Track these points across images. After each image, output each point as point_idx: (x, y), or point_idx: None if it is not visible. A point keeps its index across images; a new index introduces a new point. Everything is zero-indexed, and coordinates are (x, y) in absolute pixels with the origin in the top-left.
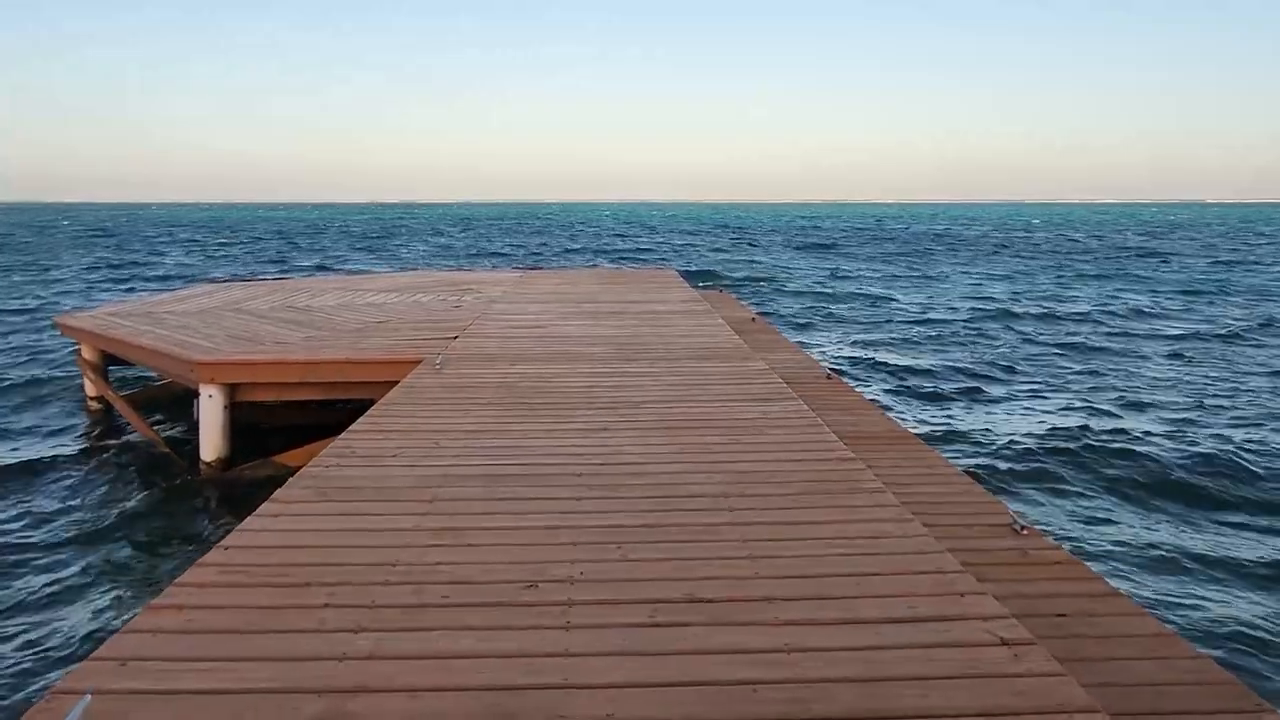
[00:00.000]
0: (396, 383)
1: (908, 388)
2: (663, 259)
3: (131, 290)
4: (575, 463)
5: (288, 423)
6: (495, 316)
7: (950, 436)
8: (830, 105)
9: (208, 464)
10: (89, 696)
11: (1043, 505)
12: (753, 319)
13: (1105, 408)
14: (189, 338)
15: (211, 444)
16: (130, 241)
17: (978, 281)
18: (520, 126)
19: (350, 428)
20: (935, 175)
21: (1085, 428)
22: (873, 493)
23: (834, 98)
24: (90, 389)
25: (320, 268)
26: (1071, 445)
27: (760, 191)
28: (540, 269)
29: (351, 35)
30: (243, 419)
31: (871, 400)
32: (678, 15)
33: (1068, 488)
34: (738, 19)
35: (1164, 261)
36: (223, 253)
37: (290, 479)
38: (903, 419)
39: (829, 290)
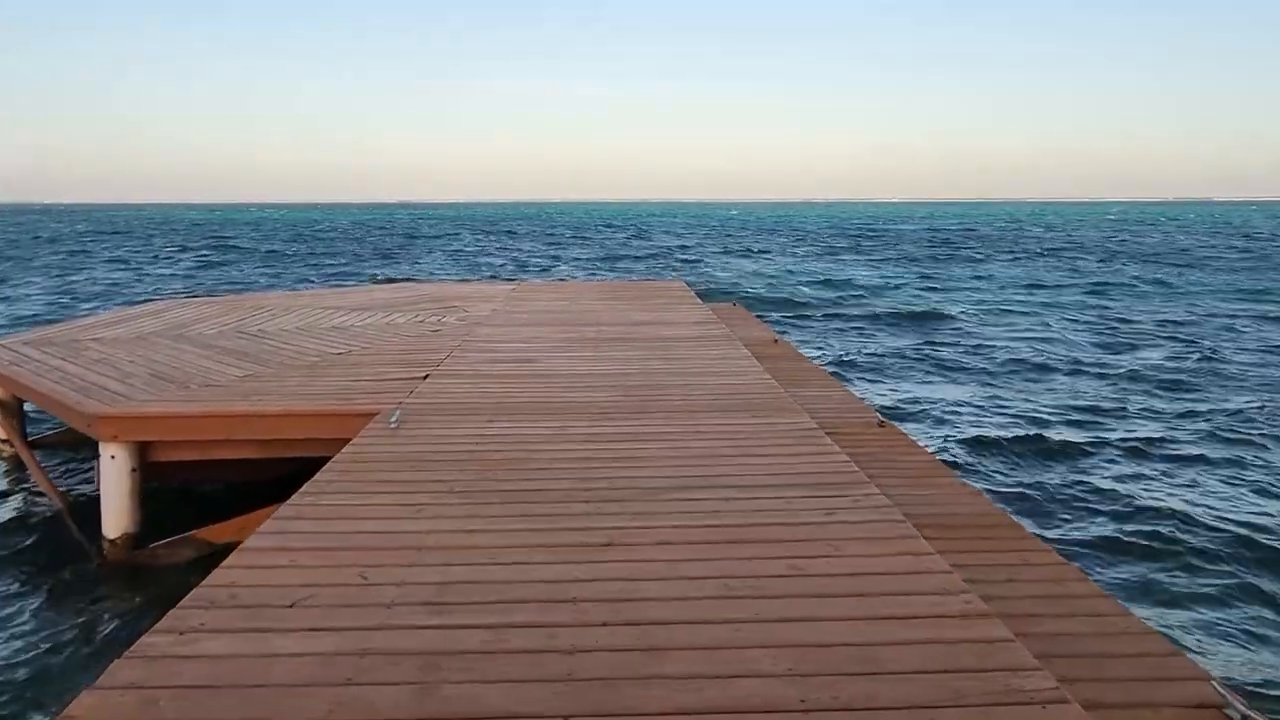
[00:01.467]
0: (346, 439)
1: None
2: (664, 264)
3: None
4: (565, 620)
5: (222, 483)
6: (478, 345)
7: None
8: (819, 102)
9: (111, 542)
10: None
11: None
12: (774, 340)
13: None
14: (101, 377)
15: (115, 517)
16: (151, 240)
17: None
18: (520, 124)
19: (243, 545)
20: (913, 174)
21: None
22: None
23: (817, 96)
24: None
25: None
26: None
27: (744, 190)
28: (535, 281)
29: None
30: (162, 480)
31: (946, 461)
32: (679, 17)
33: None
34: (739, 20)
35: None
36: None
37: (113, 666)
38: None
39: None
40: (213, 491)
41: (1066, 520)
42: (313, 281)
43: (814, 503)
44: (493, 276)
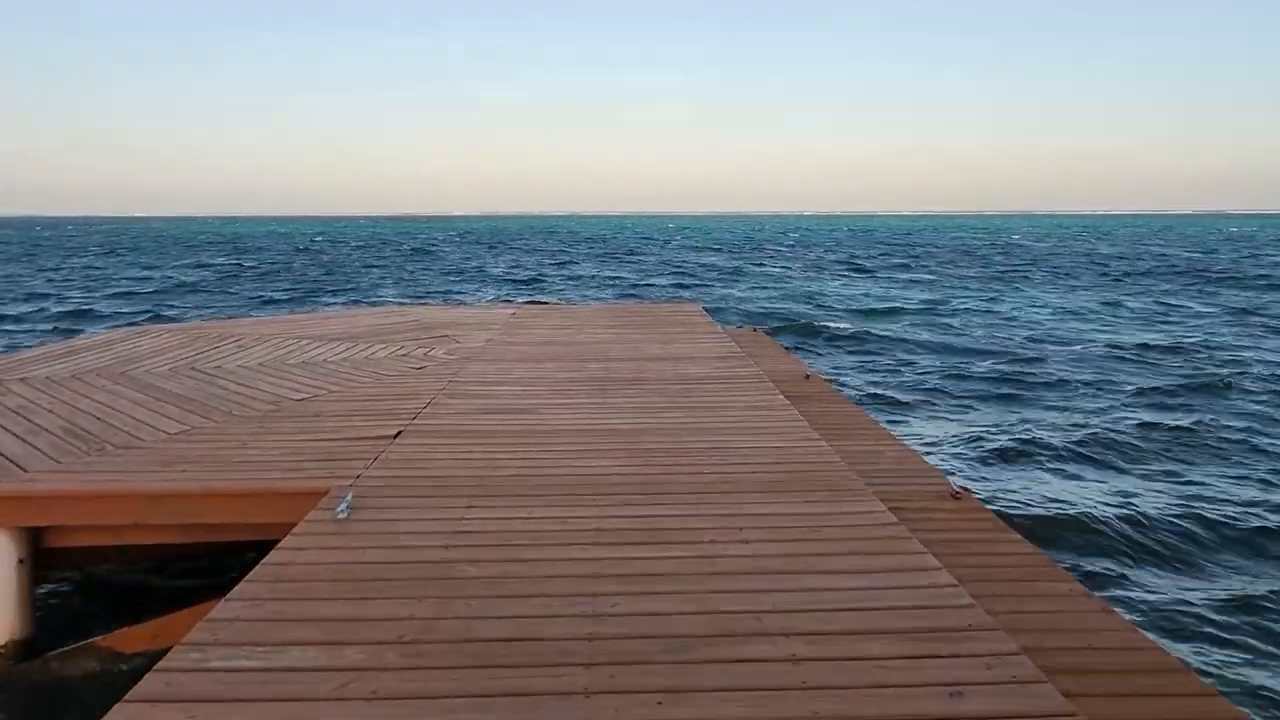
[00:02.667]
0: (288, 524)
1: None
2: (680, 284)
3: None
4: None
5: (136, 578)
6: (466, 387)
7: None
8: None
9: None
10: None
11: None
12: (805, 376)
13: None
14: (0, 436)
15: (2, 619)
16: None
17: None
18: (527, 135)
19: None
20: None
21: None
22: None
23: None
24: None
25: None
26: None
27: (754, 203)
28: (538, 303)
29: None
30: (62, 570)
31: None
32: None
33: None
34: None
35: None
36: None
37: None
38: None
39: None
40: (129, 581)
41: None
42: (299, 304)
43: (917, 669)
44: (500, 300)
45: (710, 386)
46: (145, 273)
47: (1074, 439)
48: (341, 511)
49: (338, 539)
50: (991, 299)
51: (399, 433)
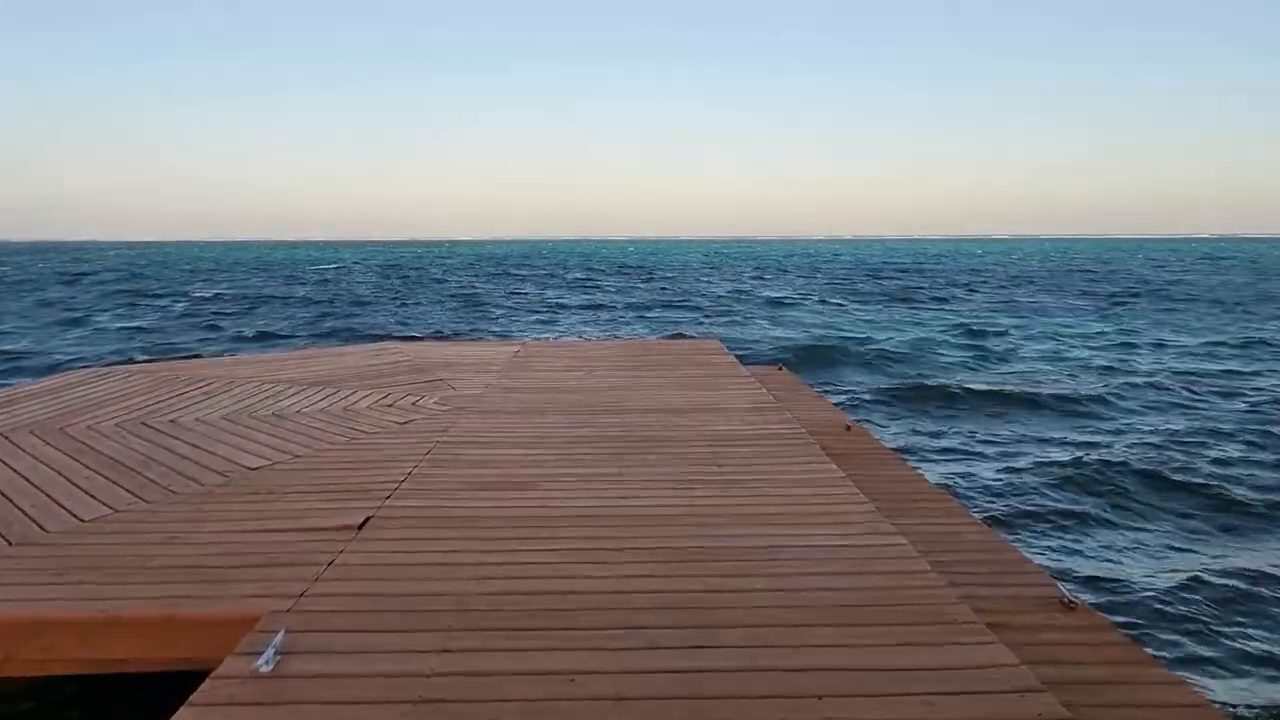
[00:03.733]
0: (203, 669)
1: None
2: (690, 308)
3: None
4: None
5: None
6: (456, 451)
7: None
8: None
9: None
10: None
11: None
12: (846, 427)
13: None
14: None
15: None
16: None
17: None
18: (533, 159)
19: None
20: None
21: None
22: None
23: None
24: None
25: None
26: None
27: (766, 227)
28: (546, 339)
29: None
30: None
31: None
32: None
33: None
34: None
35: None
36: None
37: None
38: None
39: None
40: (19, 709)
41: None
42: (295, 340)
43: None
44: (508, 336)
45: (746, 450)
46: (158, 302)
47: None
48: (264, 663)
49: (250, 713)
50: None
51: (366, 520)
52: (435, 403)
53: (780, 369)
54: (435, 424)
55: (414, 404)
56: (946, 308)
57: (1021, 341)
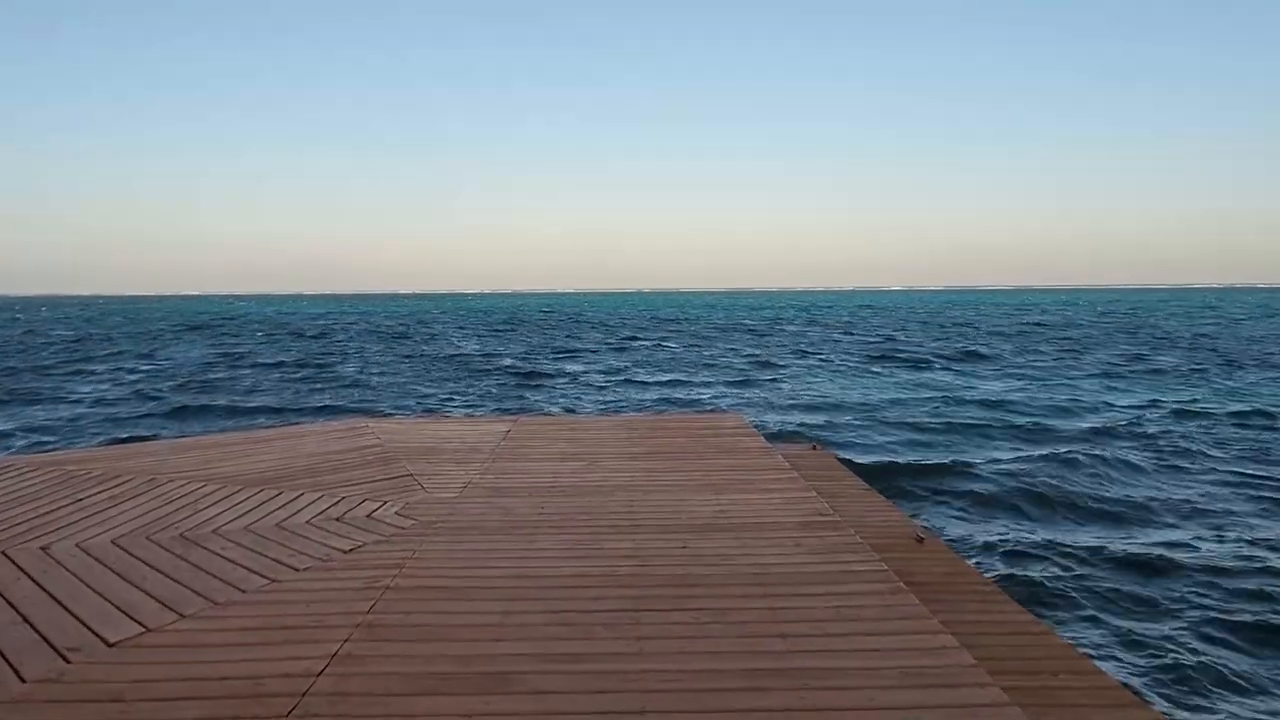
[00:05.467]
0: None
1: None
2: (701, 366)
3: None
4: None
5: None
6: (411, 608)
7: None
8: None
9: None
10: None
11: None
12: (918, 539)
13: None
14: None
15: None
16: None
17: None
18: (543, 215)
19: None
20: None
21: None
22: None
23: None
24: None
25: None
26: None
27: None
28: (542, 416)
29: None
30: None
31: None
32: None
33: None
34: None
35: None
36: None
37: None
38: None
39: None
40: None
41: None
42: (264, 413)
43: None
44: (501, 410)
45: (813, 603)
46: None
47: None
48: None
49: None
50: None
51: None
52: (398, 513)
53: (815, 448)
54: (390, 553)
55: (370, 515)
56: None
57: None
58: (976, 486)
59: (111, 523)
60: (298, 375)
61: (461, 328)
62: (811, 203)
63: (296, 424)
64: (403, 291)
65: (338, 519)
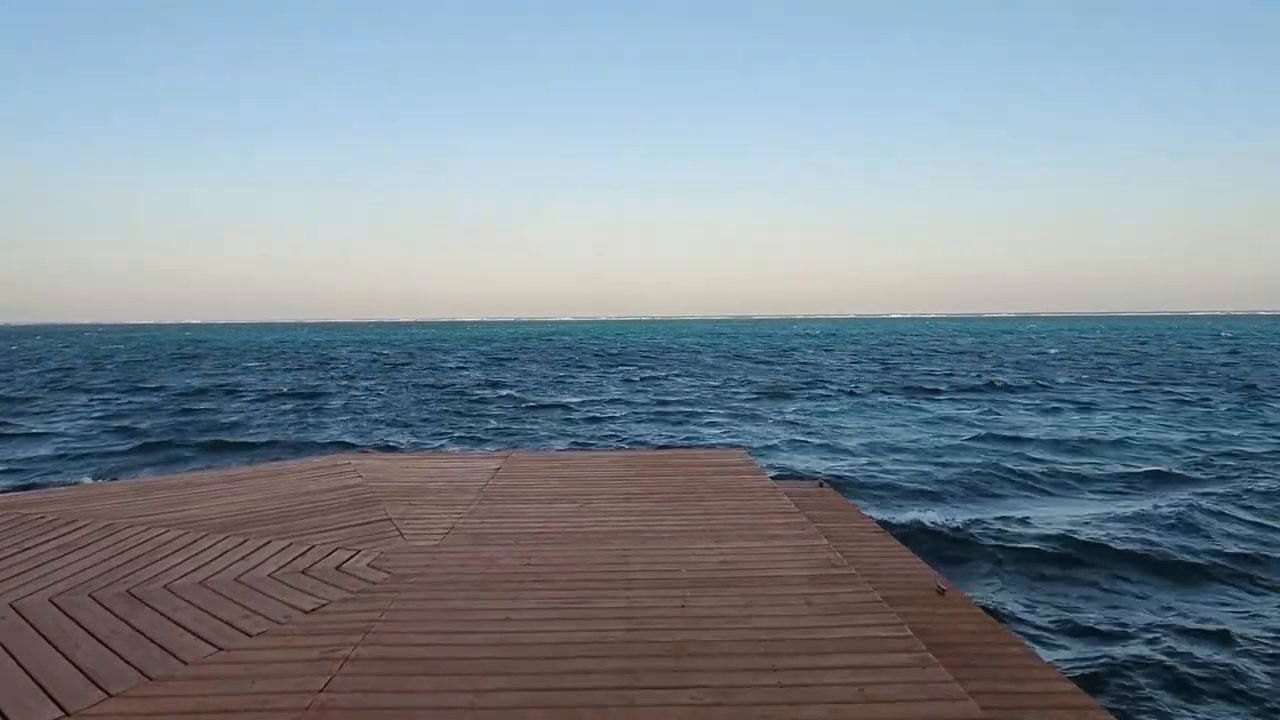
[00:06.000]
0: None
1: None
2: (704, 397)
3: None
4: None
5: None
6: (367, 690)
7: None
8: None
9: None
10: None
11: None
12: (940, 590)
13: None
14: None
15: None
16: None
17: None
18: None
19: None
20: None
21: None
22: None
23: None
24: None
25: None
26: None
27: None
28: (534, 451)
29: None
30: None
31: None
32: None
33: None
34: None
35: None
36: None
37: None
38: None
39: None
40: None
41: None
42: (242, 450)
43: None
44: (501, 438)
45: (830, 676)
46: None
47: None
48: None
49: None
50: None
51: None
52: (371, 564)
53: (822, 486)
54: (356, 614)
55: (339, 568)
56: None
57: None
58: (1033, 544)
59: (55, 576)
60: (287, 406)
61: (462, 356)
62: (814, 229)
63: (276, 461)
64: (404, 320)
65: (303, 571)
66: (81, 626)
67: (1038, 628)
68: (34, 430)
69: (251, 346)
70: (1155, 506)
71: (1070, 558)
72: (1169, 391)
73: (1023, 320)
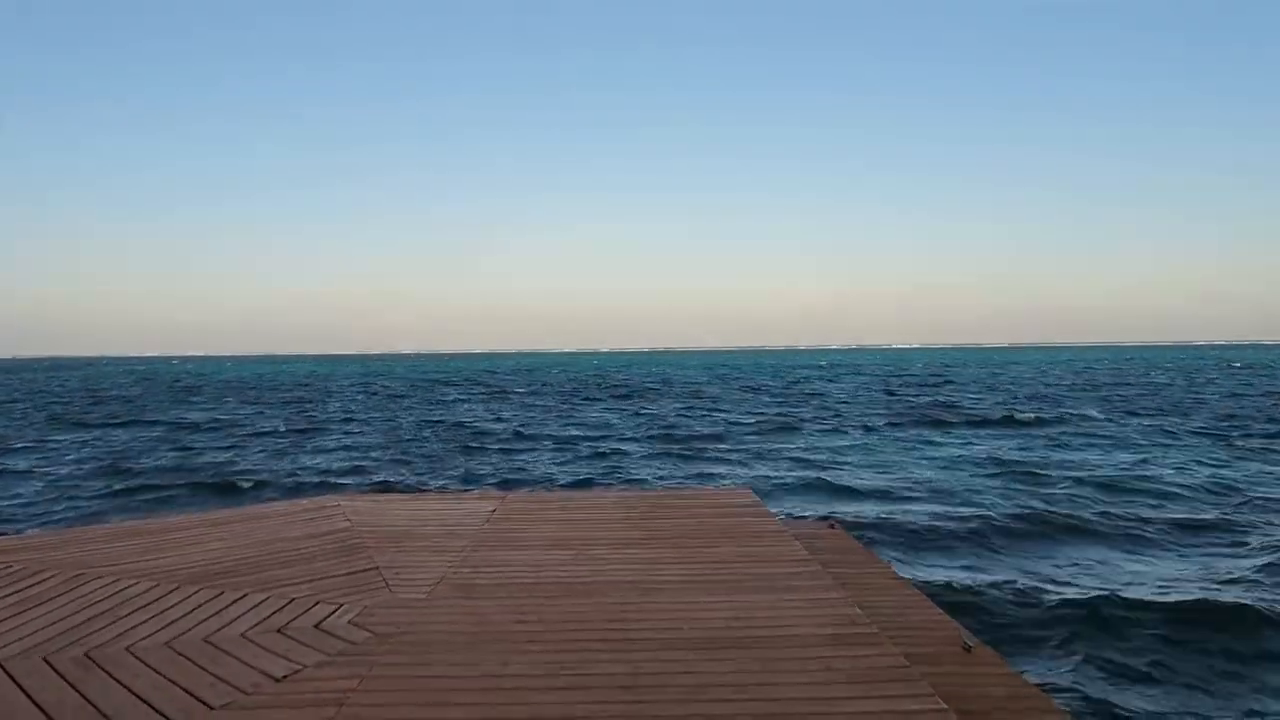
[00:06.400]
0: None
1: None
2: (703, 427)
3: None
4: None
5: None
6: None
7: None
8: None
9: None
10: None
11: None
12: (967, 648)
13: None
14: None
15: None
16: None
17: None
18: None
19: None
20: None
21: None
22: None
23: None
24: None
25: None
26: None
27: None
28: (532, 493)
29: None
30: None
31: None
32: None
33: None
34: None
35: None
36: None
37: None
38: None
39: None
40: None
41: None
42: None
43: None
44: (504, 473)
45: None
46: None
47: None
48: None
49: None
50: None
51: None
52: (352, 621)
53: (833, 528)
54: (332, 682)
55: (318, 625)
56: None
57: None
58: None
59: (10, 636)
60: (283, 443)
61: (462, 388)
62: (813, 260)
63: (263, 503)
64: (407, 352)
65: (279, 630)
66: (26, 694)
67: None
68: (17, 468)
69: (250, 380)
70: (1242, 554)
71: (1170, 618)
72: (1199, 424)
73: (1021, 350)
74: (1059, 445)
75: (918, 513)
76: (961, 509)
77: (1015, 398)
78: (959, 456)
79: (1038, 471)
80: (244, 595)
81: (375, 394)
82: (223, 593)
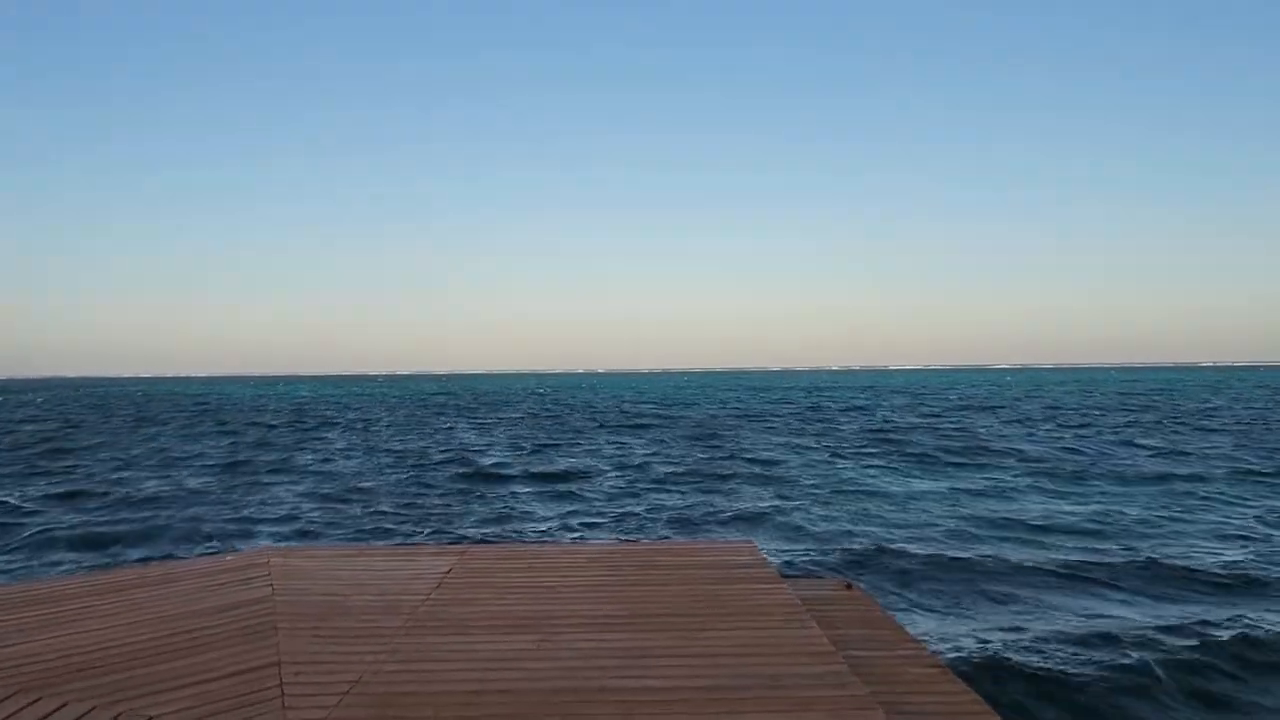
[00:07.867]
0: None
1: None
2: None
3: None
4: None
5: None
6: None
7: None
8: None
9: None
10: None
11: None
12: None
13: None
14: None
15: None
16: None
17: None
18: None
19: None
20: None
21: None
22: None
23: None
24: None
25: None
26: None
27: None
28: (496, 546)
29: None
30: None
31: None
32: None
33: None
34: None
35: None
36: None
37: None
38: None
39: None
40: None
41: None
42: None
43: None
44: (476, 518)
45: None
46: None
47: None
48: None
49: None
50: None
51: None
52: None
53: (850, 588)
54: None
55: None
56: None
57: None
58: None
59: None
60: (231, 483)
61: (450, 413)
62: (807, 280)
63: (183, 559)
64: (401, 372)
65: None
66: None
67: None
68: None
69: (228, 402)
70: None
71: None
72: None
73: (1027, 370)
74: (1115, 482)
75: (948, 555)
76: (1015, 548)
77: (1031, 419)
78: (996, 489)
79: (1121, 520)
80: (93, 709)
81: (358, 421)
82: (63, 706)
